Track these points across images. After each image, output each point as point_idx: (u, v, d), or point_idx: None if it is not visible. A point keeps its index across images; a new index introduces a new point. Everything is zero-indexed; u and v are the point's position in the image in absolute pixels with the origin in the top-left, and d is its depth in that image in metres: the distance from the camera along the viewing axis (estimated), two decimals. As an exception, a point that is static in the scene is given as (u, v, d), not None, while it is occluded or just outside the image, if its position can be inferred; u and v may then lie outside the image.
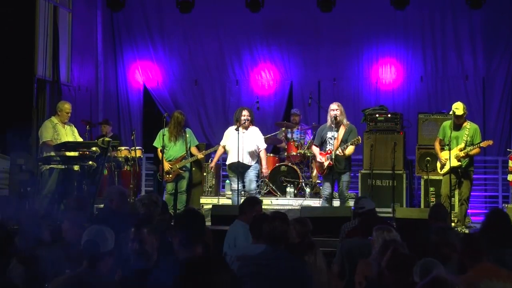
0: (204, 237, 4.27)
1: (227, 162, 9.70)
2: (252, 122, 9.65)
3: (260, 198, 9.79)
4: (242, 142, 9.38)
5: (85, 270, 3.92)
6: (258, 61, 13.72)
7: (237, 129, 9.45)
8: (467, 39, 12.94)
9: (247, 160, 9.51)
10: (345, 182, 9.09)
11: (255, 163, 9.64)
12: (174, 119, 9.87)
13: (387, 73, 13.32)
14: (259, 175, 9.94)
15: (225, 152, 9.82)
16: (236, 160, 9.42)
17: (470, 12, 12.44)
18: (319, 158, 9.08)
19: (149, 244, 4.18)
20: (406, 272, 3.80)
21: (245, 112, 9.55)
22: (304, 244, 4.76)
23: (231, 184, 9.83)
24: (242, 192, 9.67)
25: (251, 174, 9.57)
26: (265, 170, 9.85)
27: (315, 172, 10.71)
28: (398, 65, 13.32)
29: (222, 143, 9.82)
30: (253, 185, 9.61)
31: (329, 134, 9.05)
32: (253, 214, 5.60)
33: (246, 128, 9.55)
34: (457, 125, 9.15)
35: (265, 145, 9.83)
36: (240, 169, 9.50)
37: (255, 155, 9.63)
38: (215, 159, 10.14)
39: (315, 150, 9.29)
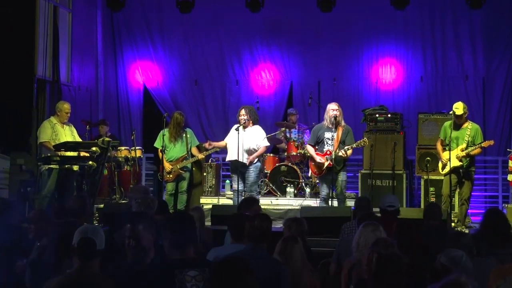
0: (196, 239, 4.29)
1: (226, 159, 9.68)
2: (254, 121, 9.60)
3: (260, 198, 9.84)
4: (242, 141, 9.38)
5: (78, 269, 3.91)
6: (258, 61, 13.72)
7: (237, 129, 9.46)
8: (467, 39, 12.93)
9: (245, 159, 9.50)
10: (343, 181, 9.09)
11: (256, 162, 9.60)
12: (174, 119, 9.87)
13: (387, 73, 13.32)
14: (259, 176, 9.91)
15: (225, 148, 9.79)
16: (234, 158, 9.42)
17: (470, 12, 12.43)
18: (319, 159, 9.05)
19: (145, 240, 4.18)
20: (388, 273, 3.79)
21: (242, 112, 9.54)
22: (286, 237, 4.80)
23: (231, 184, 9.82)
24: (243, 193, 9.66)
25: (252, 176, 9.50)
26: (251, 158, 9.41)
27: (314, 171, 10.70)
28: (398, 65, 13.32)
29: (225, 139, 9.83)
30: (254, 187, 9.56)
31: (328, 135, 9.00)
32: (252, 214, 5.60)
33: (245, 127, 9.52)
34: (458, 125, 9.15)
35: (267, 143, 9.76)
36: (240, 168, 9.49)
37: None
38: (216, 144, 9.89)
39: (311, 150, 9.24)
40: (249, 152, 9.49)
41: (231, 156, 9.55)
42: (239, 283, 2.88)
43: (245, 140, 9.43)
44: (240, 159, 9.41)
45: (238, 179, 9.44)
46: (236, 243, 4.88)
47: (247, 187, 9.56)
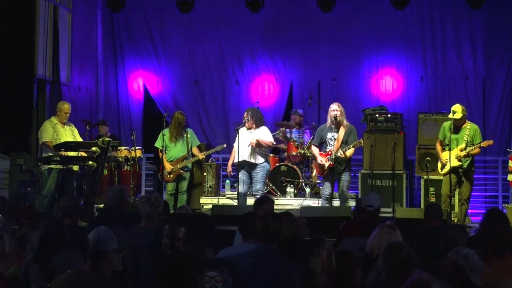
0: (215, 240, 4.29)
1: (235, 160, 9.60)
2: (257, 122, 9.54)
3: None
4: (249, 142, 9.40)
5: (87, 268, 3.97)
6: (258, 61, 13.72)
7: (237, 129, 9.48)
8: (467, 39, 12.94)
9: (254, 159, 9.51)
10: (346, 182, 9.08)
11: (264, 162, 9.60)
12: (175, 119, 9.88)
13: (387, 73, 13.32)
14: (266, 177, 9.91)
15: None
16: (242, 159, 9.43)
17: (470, 12, 12.44)
18: (320, 159, 9.05)
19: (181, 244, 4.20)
20: (346, 271, 3.83)
21: (245, 114, 9.59)
22: (313, 239, 4.76)
23: (236, 184, 9.79)
24: (248, 192, 9.67)
25: (259, 175, 9.55)
26: (254, 141, 9.41)
27: (315, 172, 10.68)
28: (398, 65, 13.32)
29: (235, 144, 9.75)
30: (259, 186, 9.57)
31: (329, 135, 9.01)
32: (262, 213, 5.58)
33: (249, 128, 9.53)
34: (457, 127, 9.15)
35: (273, 141, 9.81)
36: (246, 168, 9.52)
37: (263, 154, 9.62)
38: (230, 162, 9.90)
39: (315, 150, 9.26)
40: (259, 152, 9.55)
41: (238, 157, 9.48)
42: (185, 279, 2.87)
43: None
44: (248, 159, 9.45)
45: (243, 180, 9.47)
46: (246, 243, 4.83)
47: (253, 186, 9.58)
